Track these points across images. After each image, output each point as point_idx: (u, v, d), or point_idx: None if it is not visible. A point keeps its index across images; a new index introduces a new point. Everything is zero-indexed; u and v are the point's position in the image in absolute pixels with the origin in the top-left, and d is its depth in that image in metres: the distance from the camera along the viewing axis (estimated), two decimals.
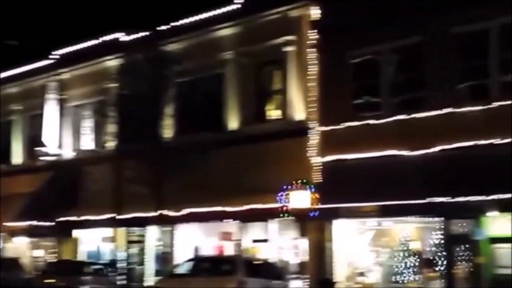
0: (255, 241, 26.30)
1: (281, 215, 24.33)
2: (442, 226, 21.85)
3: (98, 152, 32.24)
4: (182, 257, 26.58)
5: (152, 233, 29.13)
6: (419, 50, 22.59)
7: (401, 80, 23.35)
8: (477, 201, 20.07)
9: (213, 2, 27.76)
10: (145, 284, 28.43)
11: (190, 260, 24.64)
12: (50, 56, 34.81)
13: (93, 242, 32.02)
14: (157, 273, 28.27)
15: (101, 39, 32.16)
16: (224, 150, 26.82)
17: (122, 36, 31.07)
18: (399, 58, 23.39)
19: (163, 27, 28.69)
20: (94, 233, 31.51)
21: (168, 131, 28.20)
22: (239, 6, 27.02)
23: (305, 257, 24.65)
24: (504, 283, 20.53)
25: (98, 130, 32.53)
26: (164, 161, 26.53)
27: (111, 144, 30.49)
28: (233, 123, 27.48)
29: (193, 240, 28.03)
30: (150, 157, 26.72)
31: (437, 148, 21.74)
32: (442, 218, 21.62)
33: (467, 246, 21.37)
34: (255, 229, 26.39)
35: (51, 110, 34.94)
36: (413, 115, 22.50)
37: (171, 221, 27.66)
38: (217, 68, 27.93)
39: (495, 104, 20.91)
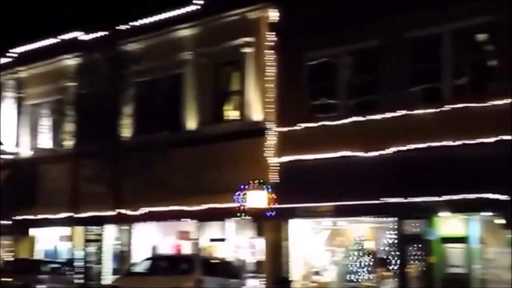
0: (212, 240, 26.54)
1: (238, 214, 24.55)
2: (396, 226, 22.25)
3: (56, 151, 32.19)
4: (140, 256, 26.70)
5: (110, 232, 29.24)
6: (375, 53, 22.99)
7: (356, 83, 23.74)
8: (429, 202, 20.48)
9: (172, 3, 27.88)
10: (103, 283, 28.51)
11: (147, 259, 24.75)
12: (8, 54, 34.61)
13: (50, 240, 31.95)
14: (115, 272, 28.32)
15: (59, 38, 32.07)
16: (182, 150, 26.99)
17: (81, 35, 31.00)
18: (355, 61, 23.78)
19: (122, 27, 28.69)
20: (52, 231, 31.46)
21: (126, 130, 28.26)
22: (198, 7, 27.16)
23: (261, 256, 24.95)
24: (455, 282, 21.04)
25: (56, 129, 32.48)
26: (122, 160, 26.59)
27: (69, 143, 30.51)
28: (191, 123, 27.64)
29: (151, 239, 28.14)
30: (108, 156, 26.79)
31: (391, 150, 22.14)
32: (396, 218, 22.03)
33: (419, 245, 21.77)
34: (213, 228, 26.62)
35: (8, 109, 34.76)
36: (368, 117, 22.87)
37: (129, 220, 27.75)
38: (176, 68, 28.06)
39: (447, 107, 21.35)
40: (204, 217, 26.02)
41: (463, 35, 21.39)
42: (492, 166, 19.65)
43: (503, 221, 19.81)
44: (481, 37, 21.29)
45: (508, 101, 20.26)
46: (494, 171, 19.57)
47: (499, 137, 20.15)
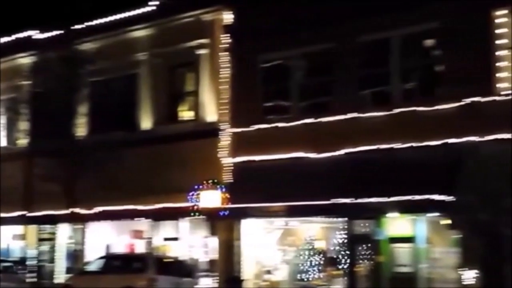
0: (166, 239, 26.77)
1: (192, 214, 24.87)
2: (346, 226, 22.75)
3: (10, 149, 32.04)
4: (93, 255, 26.78)
5: (64, 231, 29.25)
6: (327, 57, 23.42)
7: (309, 85, 24.15)
8: (378, 203, 20.98)
9: (127, 3, 27.98)
10: (56, 281, 28.51)
11: (101, 257, 24.83)
12: None
13: (3, 239, 31.81)
14: (68, 270, 28.40)
15: (14, 36, 31.93)
16: (137, 149, 27.13)
17: (35, 34, 30.94)
18: (307, 64, 24.22)
19: (78, 26, 28.75)
20: (4, 230, 31.33)
21: (81, 129, 28.30)
22: (154, 8, 27.34)
23: (214, 255, 25.25)
24: (402, 281, 21.60)
25: (11, 127, 32.31)
26: (77, 159, 26.67)
27: (23, 141, 30.43)
28: (146, 123, 27.81)
29: (104, 238, 28.25)
30: (62, 155, 26.80)
31: (342, 151, 22.60)
32: (346, 219, 22.52)
33: (368, 245, 22.31)
34: (166, 228, 26.86)
35: None
36: (320, 119, 23.29)
37: (83, 219, 27.86)
38: (131, 69, 28.19)
39: (396, 110, 21.88)
40: (158, 216, 26.28)
41: (411, 40, 21.94)
42: (438, 168, 20.24)
43: (449, 222, 20.39)
44: (429, 42, 21.85)
45: (454, 105, 20.85)
46: (440, 173, 20.18)
47: (446, 140, 20.74)
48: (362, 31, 22.53)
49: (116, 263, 23.84)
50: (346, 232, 22.81)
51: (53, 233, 29.75)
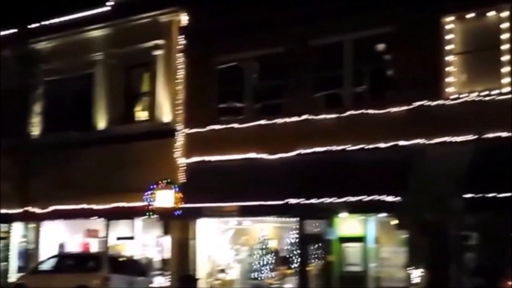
0: (120, 238, 26.89)
1: (146, 213, 24.98)
2: (298, 226, 23.11)
3: None
4: (47, 254, 26.79)
5: (17, 230, 29.15)
6: (281, 60, 23.76)
7: (263, 87, 24.50)
8: (329, 203, 21.41)
9: (84, 3, 28.04)
10: (9, 280, 28.40)
11: (54, 256, 24.91)
12: None
13: None
14: (21, 269, 28.26)
15: None
16: (92, 149, 27.21)
17: None
18: (262, 66, 24.54)
19: (33, 25, 28.71)
20: None
21: (35, 128, 28.30)
22: (110, 8, 27.43)
23: (168, 254, 25.42)
24: (352, 279, 22.06)
25: None
26: (31, 158, 26.66)
27: None
28: (101, 123, 27.88)
29: (58, 237, 28.27)
30: (16, 153, 26.77)
31: (294, 153, 22.97)
32: (298, 219, 22.88)
33: (319, 245, 22.73)
34: (121, 227, 26.97)
35: None
36: (273, 121, 23.64)
37: (37, 218, 27.82)
38: (86, 68, 28.21)
39: (348, 112, 22.33)
40: (112, 215, 26.37)
41: (363, 44, 22.39)
42: (388, 170, 20.70)
43: (397, 222, 20.87)
44: (380, 47, 22.32)
45: (404, 108, 21.36)
46: (390, 174, 20.63)
47: (395, 143, 21.24)
48: (315, 34, 22.92)
49: (69, 262, 23.94)
50: (298, 231, 23.18)
51: (7, 232, 29.61)
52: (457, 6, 20.66)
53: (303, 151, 22.81)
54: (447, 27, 20.97)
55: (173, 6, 25.98)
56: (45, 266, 24.26)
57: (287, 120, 23.33)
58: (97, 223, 27.15)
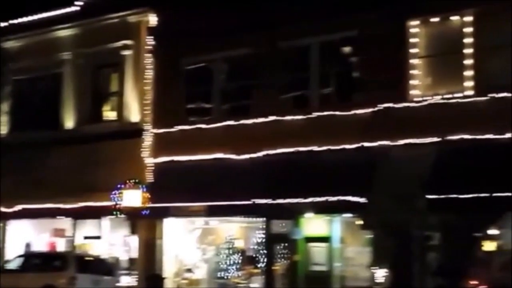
0: (87, 238, 26.92)
1: (114, 213, 25.00)
2: (264, 226, 23.37)
3: None
4: (13, 253, 26.71)
5: None
6: (249, 61, 23.97)
7: (231, 88, 24.68)
8: (296, 203, 21.66)
9: (53, 3, 28.02)
10: None
11: (20, 256, 24.87)
12: None
13: None
14: None
15: None
16: (60, 148, 27.19)
17: None
18: (230, 68, 24.73)
19: (2, 24, 28.64)
20: None
21: (3, 127, 28.21)
22: (79, 8, 27.46)
23: (136, 253, 25.51)
24: (317, 279, 22.34)
25: None
26: None
27: None
28: (69, 122, 27.87)
29: (25, 236, 28.21)
30: None
31: (261, 153, 23.17)
32: (264, 219, 23.14)
33: (286, 244, 23.00)
34: (88, 226, 27.00)
35: None
36: (241, 121, 23.84)
37: (3, 217, 27.74)
38: (55, 68, 28.18)
39: (315, 114, 22.60)
40: (79, 215, 26.37)
41: (330, 47, 22.67)
42: (353, 171, 20.93)
43: (362, 222, 21.21)
44: (346, 49, 22.61)
45: (369, 110, 21.67)
46: (355, 175, 20.87)
47: (361, 144, 21.54)
48: (283, 37, 23.16)
49: (35, 262, 23.90)
50: (264, 231, 23.43)
51: None
52: (422, 10, 21.03)
53: (270, 152, 23.02)
54: (412, 30, 21.33)
55: (142, 7, 26.04)
56: (11, 266, 24.20)
57: (255, 120, 23.53)
58: (64, 223, 27.14)
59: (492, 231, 20.16)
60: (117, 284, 24.46)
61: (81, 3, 27.39)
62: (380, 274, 20.98)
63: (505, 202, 18.71)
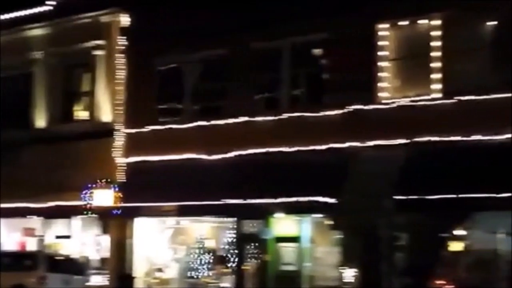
0: (58, 237, 26.91)
1: (85, 212, 25.07)
2: (235, 226, 23.53)
3: None
4: None
5: None
6: (221, 62, 24.12)
7: (203, 89, 24.83)
8: (266, 204, 21.83)
9: (25, 2, 27.97)
10: None
11: None
12: None
13: None
14: None
15: None
16: (31, 147, 27.18)
17: None
18: (202, 68, 24.87)
19: None
20: None
21: None
22: (51, 7, 27.43)
23: (106, 253, 25.57)
24: (286, 278, 22.56)
25: None
26: None
27: None
28: (41, 121, 27.86)
29: None
30: None
31: (233, 154, 23.32)
32: (235, 218, 23.31)
33: (256, 244, 23.15)
34: (59, 226, 27.00)
35: None
36: (212, 122, 23.98)
37: None
38: (27, 67, 28.14)
39: (285, 115, 22.78)
40: (50, 214, 26.34)
41: (301, 49, 22.90)
42: (323, 171, 21.12)
43: (331, 223, 21.44)
44: (317, 52, 22.86)
45: (339, 112, 21.88)
46: (325, 176, 21.06)
47: (330, 145, 21.74)
48: (254, 39, 23.31)
49: (6, 261, 23.87)
50: (235, 231, 23.59)
51: None
52: (391, 14, 21.29)
53: (241, 152, 23.18)
54: (381, 33, 21.60)
55: (114, 7, 26.09)
56: None
57: (226, 121, 23.67)
58: (35, 222, 27.11)
59: (458, 232, 20.47)
60: (87, 284, 24.52)
61: (53, 2, 27.36)
62: (349, 274, 21.22)
63: (471, 203, 19.01)
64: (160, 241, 25.31)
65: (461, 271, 20.31)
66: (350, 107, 21.71)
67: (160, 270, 25.13)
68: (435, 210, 19.69)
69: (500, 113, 19.49)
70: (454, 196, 19.15)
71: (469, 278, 20.04)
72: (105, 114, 26.32)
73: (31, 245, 27.24)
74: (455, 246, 20.53)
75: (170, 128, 24.73)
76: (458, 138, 19.95)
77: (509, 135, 19.29)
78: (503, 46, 19.88)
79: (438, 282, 20.28)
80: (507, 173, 18.66)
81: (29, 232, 27.61)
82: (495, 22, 20.20)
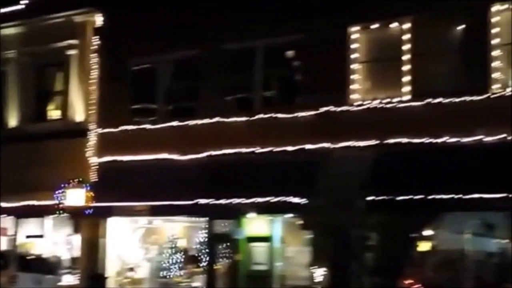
0: (29, 236, 26.86)
1: (57, 212, 25.06)
2: (207, 226, 23.64)
3: None
4: None
5: None
6: (194, 63, 24.23)
7: (176, 89, 24.95)
8: (238, 204, 21.99)
9: None
10: None
11: None
12: None
13: None
14: None
15: None
16: (3, 147, 27.04)
17: None
18: (175, 69, 24.98)
19: None
20: None
21: None
22: (24, 6, 27.40)
23: (78, 252, 25.58)
24: (258, 278, 22.71)
25: None
26: None
27: None
28: (13, 121, 27.78)
29: None
30: None
31: (205, 154, 23.46)
32: (207, 218, 23.41)
33: (228, 244, 23.27)
34: (31, 225, 26.96)
35: None
36: (185, 122, 24.09)
37: None
38: None
39: (258, 116, 22.94)
40: (22, 213, 26.29)
41: (273, 51, 23.07)
42: (295, 172, 21.37)
43: (302, 223, 21.65)
44: (290, 53, 23.03)
45: (311, 113, 22.10)
46: (296, 177, 21.32)
47: (302, 146, 21.93)
48: (228, 39, 23.45)
49: None
50: (207, 231, 23.70)
51: None
52: (363, 17, 21.52)
53: (213, 153, 23.30)
54: (353, 36, 21.85)
55: (88, 7, 26.11)
56: None
57: (199, 122, 23.79)
58: (6, 221, 27.03)
59: (427, 232, 20.78)
60: (59, 283, 24.56)
61: (26, 1, 27.31)
62: (319, 274, 21.43)
63: (439, 203, 19.30)
64: (132, 240, 25.36)
65: (429, 271, 20.61)
66: (322, 108, 21.90)
67: (131, 269, 25.18)
68: (404, 210, 19.93)
69: (468, 116, 19.84)
70: (423, 197, 19.44)
71: (436, 278, 20.34)
72: (78, 113, 26.31)
73: (3, 245, 27.14)
74: (424, 246, 20.84)
75: (143, 128, 24.78)
76: (427, 139, 20.26)
77: (476, 137, 19.66)
78: (472, 49, 20.25)
79: (406, 281, 20.56)
80: (474, 174, 19.01)
81: (0, 231, 27.50)
82: (464, 26, 20.55)
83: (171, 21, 24.27)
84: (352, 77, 21.85)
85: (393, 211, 20.24)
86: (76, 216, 25.16)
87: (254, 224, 23.00)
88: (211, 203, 22.42)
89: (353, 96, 21.83)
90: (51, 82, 27.79)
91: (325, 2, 21.95)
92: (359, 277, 20.87)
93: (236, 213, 22.50)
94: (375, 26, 21.66)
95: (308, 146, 21.88)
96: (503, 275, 19.64)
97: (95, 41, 26.05)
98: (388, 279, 20.52)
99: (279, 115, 22.58)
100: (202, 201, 22.52)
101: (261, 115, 22.90)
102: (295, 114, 22.33)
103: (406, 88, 21.04)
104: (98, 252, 25.02)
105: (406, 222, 20.32)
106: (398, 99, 21.09)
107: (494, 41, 20.01)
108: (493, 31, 20.03)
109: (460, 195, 18.97)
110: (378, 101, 21.38)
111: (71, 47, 26.58)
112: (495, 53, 19.99)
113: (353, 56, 21.86)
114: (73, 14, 26.45)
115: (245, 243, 23.02)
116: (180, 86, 24.95)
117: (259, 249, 22.92)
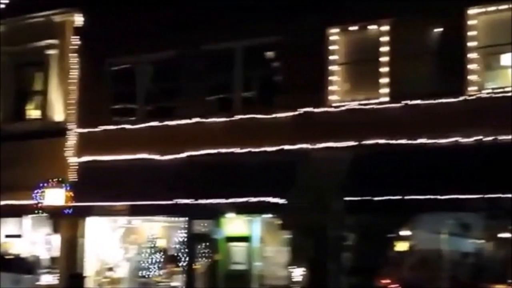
0: (8, 236, 26.81)
1: (36, 211, 25.04)
2: (186, 226, 23.70)
3: None
4: None
5: None
6: (173, 63, 24.31)
7: (155, 90, 25.05)
8: (217, 204, 22.08)
9: None
10: None
11: None
12: None
13: None
14: None
15: None
16: None
17: None
18: (154, 69, 25.07)
19: None
20: None
21: None
22: (3, 6, 27.29)
23: (57, 252, 25.57)
24: (236, 277, 22.87)
25: None
26: None
27: None
28: None
29: None
30: None
31: (184, 154, 23.53)
32: (186, 218, 23.50)
33: (207, 244, 23.39)
34: (9, 225, 26.90)
35: None
36: (165, 123, 24.16)
37: None
38: None
39: (237, 116, 23.07)
40: (0, 213, 26.21)
41: (253, 51, 23.20)
42: (274, 172, 21.46)
43: (281, 223, 21.78)
44: (269, 54, 23.21)
45: (290, 114, 22.25)
46: (275, 177, 21.40)
47: (281, 147, 22.10)
48: (207, 40, 23.56)
49: None
50: (186, 231, 23.77)
51: None
52: (341, 19, 21.71)
53: (193, 153, 23.38)
54: (332, 38, 22.04)
55: (67, 7, 26.10)
56: None
57: (179, 122, 23.87)
58: None
59: (404, 232, 21.01)
60: (38, 283, 24.51)
61: (6, 1, 27.24)
62: (298, 273, 21.60)
63: (416, 204, 19.52)
64: (111, 240, 25.39)
65: (406, 270, 20.83)
66: (301, 109, 22.06)
67: (111, 269, 25.20)
68: (381, 211, 20.13)
69: (445, 117, 20.10)
70: (400, 197, 19.64)
71: (413, 277, 20.57)
72: (58, 113, 26.29)
73: None
74: (401, 246, 21.07)
75: (123, 128, 24.82)
76: (404, 141, 20.47)
77: (452, 139, 19.91)
78: (449, 52, 20.50)
79: (384, 281, 20.78)
80: (450, 175, 19.26)
81: None
82: (442, 29, 20.80)
83: (151, 22, 24.33)
84: (330, 78, 22.03)
85: (370, 212, 20.45)
86: (55, 216, 25.15)
87: (233, 224, 23.15)
88: (190, 203, 22.49)
89: (331, 97, 22.01)
90: (30, 82, 27.76)
91: (304, 4, 22.15)
92: (337, 276, 21.06)
93: (215, 213, 22.61)
94: (353, 28, 21.85)
95: (287, 147, 22.05)
96: (478, 274, 19.95)
97: (75, 41, 26.06)
98: (366, 278, 20.74)
99: (258, 116, 22.71)
100: (182, 201, 22.58)
101: (241, 116, 23.03)
102: (274, 115, 22.48)
103: (384, 90, 21.26)
104: (77, 252, 25.03)
105: (383, 222, 20.56)
106: (376, 100, 21.30)
107: (471, 44, 20.33)
108: (470, 34, 20.35)
109: (437, 196, 19.22)
110: (356, 102, 21.59)
111: (50, 46, 26.56)
112: (471, 55, 20.30)
113: (331, 57, 22.05)
114: (53, 13, 26.44)
115: (224, 243, 23.16)
116: (159, 86, 25.05)
117: (238, 249, 23.08)
